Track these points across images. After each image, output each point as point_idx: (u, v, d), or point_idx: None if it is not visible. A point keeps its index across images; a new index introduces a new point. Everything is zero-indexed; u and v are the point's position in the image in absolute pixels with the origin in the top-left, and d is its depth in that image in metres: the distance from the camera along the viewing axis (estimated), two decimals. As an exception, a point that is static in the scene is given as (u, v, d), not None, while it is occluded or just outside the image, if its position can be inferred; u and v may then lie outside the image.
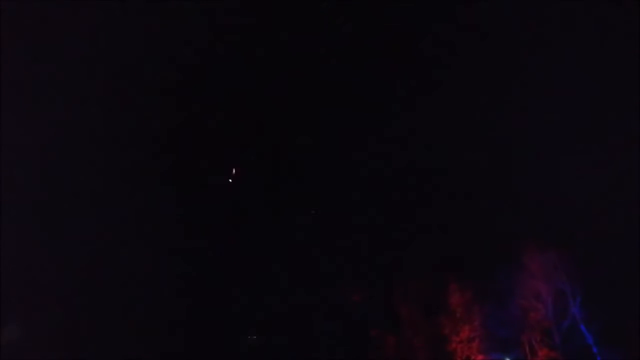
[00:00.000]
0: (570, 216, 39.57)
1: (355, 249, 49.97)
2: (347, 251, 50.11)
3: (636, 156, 38.34)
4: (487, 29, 49.54)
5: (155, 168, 53.07)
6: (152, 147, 53.00)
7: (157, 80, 50.86)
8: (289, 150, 60.39)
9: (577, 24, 44.07)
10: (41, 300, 41.15)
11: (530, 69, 46.75)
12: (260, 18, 53.09)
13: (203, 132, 56.51)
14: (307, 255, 51.21)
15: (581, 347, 36.44)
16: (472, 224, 45.22)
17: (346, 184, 55.37)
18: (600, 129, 41.75)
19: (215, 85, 57.66)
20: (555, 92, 46.27)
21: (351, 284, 48.05)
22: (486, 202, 46.39)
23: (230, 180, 56.75)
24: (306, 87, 59.30)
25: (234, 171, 57.41)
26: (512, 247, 40.20)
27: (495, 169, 46.00)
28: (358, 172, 55.48)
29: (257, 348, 49.06)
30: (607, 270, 35.58)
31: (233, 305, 49.83)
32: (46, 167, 44.54)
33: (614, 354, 35.05)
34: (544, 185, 43.29)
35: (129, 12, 48.51)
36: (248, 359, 48.60)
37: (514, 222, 42.33)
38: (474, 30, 50.29)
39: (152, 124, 52.13)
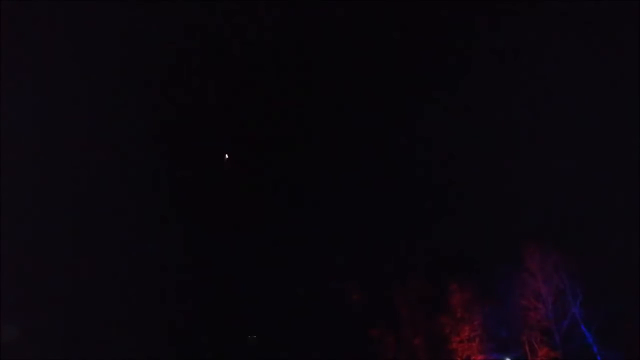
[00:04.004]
0: (570, 216, 39.57)
1: (355, 248, 49.98)
2: (348, 251, 50.16)
3: (636, 156, 38.32)
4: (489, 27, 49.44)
5: (154, 166, 53.14)
6: (150, 146, 53.06)
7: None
8: (288, 149, 60.42)
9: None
10: (41, 300, 41.14)
11: (535, 70, 46.68)
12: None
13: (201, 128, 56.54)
14: (307, 255, 51.25)
15: (581, 347, 36.42)
16: (472, 224, 45.25)
17: (347, 183, 55.42)
18: (601, 129, 41.78)
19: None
20: (557, 92, 46.27)
21: (351, 284, 48.01)
22: (486, 202, 46.42)
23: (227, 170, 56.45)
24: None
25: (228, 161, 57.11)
26: (512, 247, 40.20)
27: (495, 169, 46.01)
28: (359, 172, 55.52)
29: (257, 348, 49.05)
30: (607, 270, 35.56)
31: (233, 305, 49.81)
32: (46, 167, 44.57)
33: (614, 354, 35.05)
34: (545, 185, 43.30)
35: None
36: (248, 359, 48.61)
37: (514, 222, 42.35)
38: (477, 31, 50.19)
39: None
